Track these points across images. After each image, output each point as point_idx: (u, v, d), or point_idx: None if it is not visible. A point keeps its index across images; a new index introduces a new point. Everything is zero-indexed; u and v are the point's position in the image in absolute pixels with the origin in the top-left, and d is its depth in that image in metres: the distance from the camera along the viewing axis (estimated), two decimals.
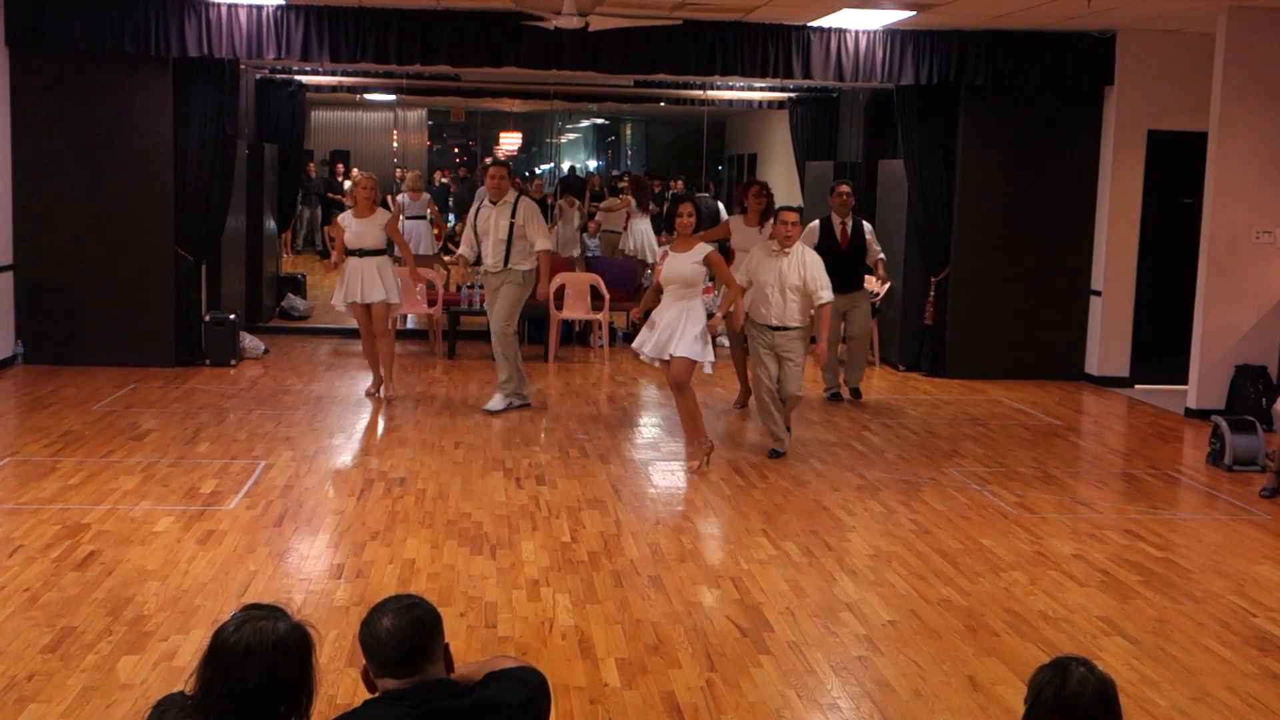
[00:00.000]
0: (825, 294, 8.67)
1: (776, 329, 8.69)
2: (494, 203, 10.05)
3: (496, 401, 10.23)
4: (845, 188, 11.01)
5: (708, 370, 8.72)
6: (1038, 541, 7.09)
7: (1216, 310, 10.62)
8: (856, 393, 11.19)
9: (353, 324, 11.17)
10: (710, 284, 9.85)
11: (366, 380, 10.97)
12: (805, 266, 8.66)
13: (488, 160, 20.38)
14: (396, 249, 10.75)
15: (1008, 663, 5.31)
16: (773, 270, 8.66)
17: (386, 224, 10.34)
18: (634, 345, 8.68)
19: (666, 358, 8.34)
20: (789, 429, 9.10)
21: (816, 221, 10.97)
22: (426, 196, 17.57)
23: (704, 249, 8.35)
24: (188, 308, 11.84)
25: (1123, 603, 6.12)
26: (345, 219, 10.43)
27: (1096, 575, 6.53)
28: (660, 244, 14.58)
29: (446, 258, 15.25)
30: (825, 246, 10.35)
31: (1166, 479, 8.73)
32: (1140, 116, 12.02)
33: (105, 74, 11.37)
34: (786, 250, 8.65)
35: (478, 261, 10.32)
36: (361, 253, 10.20)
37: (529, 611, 5.76)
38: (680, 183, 21.95)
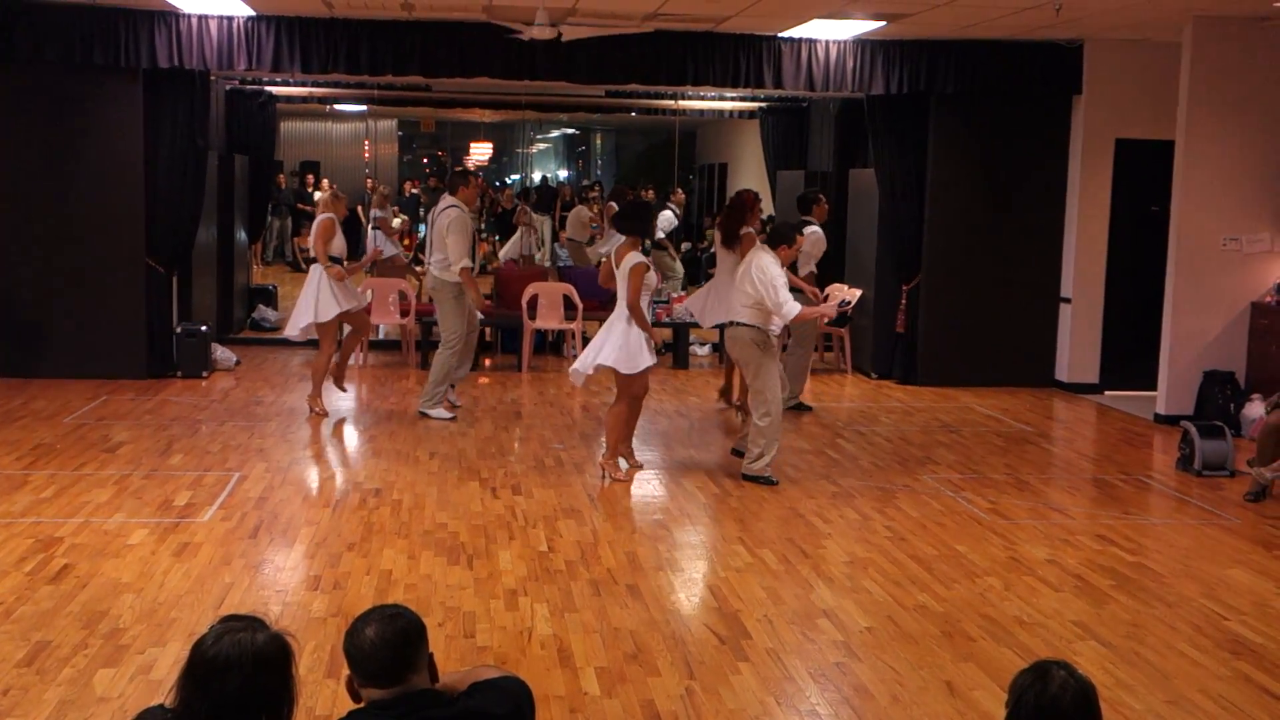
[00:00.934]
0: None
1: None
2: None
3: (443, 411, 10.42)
4: (824, 199, 11.23)
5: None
6: (1012, 547, 7.14)
7: (1185, 316, 10.73)
8: (803, 406, 11.06)
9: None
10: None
11: (340, 391, 10.89)
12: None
13: (458, 169, 20.40)
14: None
15: (984, 668, 5.34)
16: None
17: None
18: (644, 363, 8.33)
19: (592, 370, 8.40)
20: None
21: (819, 229, 10.91)
22: (392, 208, 17.51)
23: (635, 258, 8.28)
24: (159, 319, 11.78)
25: (1097, 607, 6.18)
26: (336, 226, 10.37)
27: (1070, 580, 6.58)
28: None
29: (418, 269, 15.22)
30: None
31: (1137, 484, 8.81)
32: (1108, 125, 12.14)
33: (75, 85, 11.31)
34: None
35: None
36: (341, 260, 10.31)
37: (507, 621, 5.76)
38: (650, 192, 21.98)
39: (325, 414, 10.29)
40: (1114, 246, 12.35)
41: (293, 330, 10.39)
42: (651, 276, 8.41)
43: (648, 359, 8.30)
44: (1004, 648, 5.58)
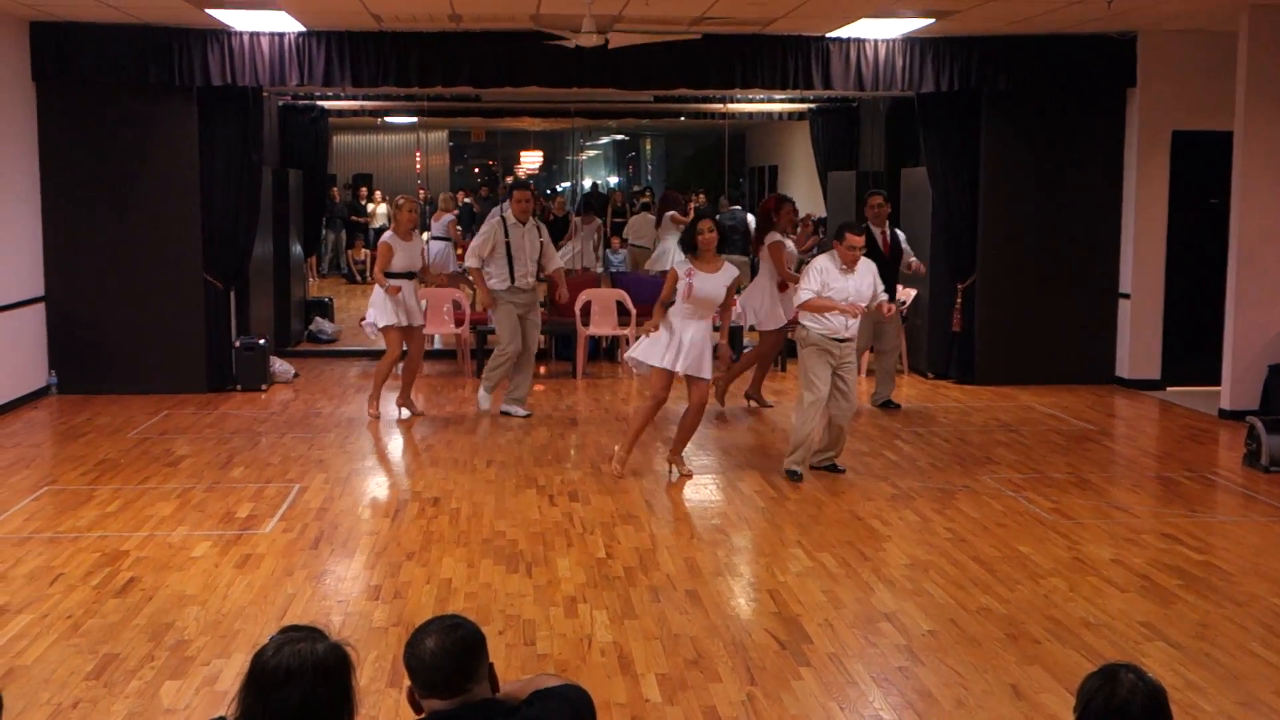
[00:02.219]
0: (883, 294, 8.85)
1: (844, 341, 8.51)
2: (522, 224, 10.33)
3: (486, 398, 10.84)
4: (878, 199, 10.93)
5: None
6: (1075, 547, 7.05)
7: (1247, 310, 10.55)
8: (891, 404, 11.14)
9: (381, 346, 11.11)
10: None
11: (404, 410, 10.93)
12: (873, 275, 8.66)
13: (509, 179, 20.45)
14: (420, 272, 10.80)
15: (1051, 670, 5.27)
16: (845, 288, 8.48)
17: (422, 249, 10.71)
18: (651, 360, 8.42)
19: (685, 373, 8.37)
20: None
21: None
22: (448, 217, 17.64)
23: (732, 271, 8.43)
24: (218, 334, 11.92)
25: (1164, 607, 6.08)
26: (394, 241, 10.43)
27: (1136, 580, 6.49)
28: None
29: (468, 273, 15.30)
30: (870, 257, 10.32)
31: (1203, 481, 8.67)
32: (1164, 117, 11.97)
33: (131, 105, 11.47)
34: (852, 270, 8.52)
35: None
36: (408, 275, 10.44)
37: (567, 628, 5.76)
38: (702, 196, 21.96)
39: (377, 416, 10.59)
40: (1173, 240, 12.17)
41: (367, 326, 10.74)
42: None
43: (654, 358, 8.39)
44: (1070, 650, 5.50)
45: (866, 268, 8.65)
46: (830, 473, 8.70)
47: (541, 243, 10.54)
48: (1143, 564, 6.75)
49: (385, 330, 10.41)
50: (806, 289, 8.48)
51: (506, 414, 10.67)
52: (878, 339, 11.27)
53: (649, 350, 8.44)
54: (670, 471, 8.69)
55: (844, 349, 8.53)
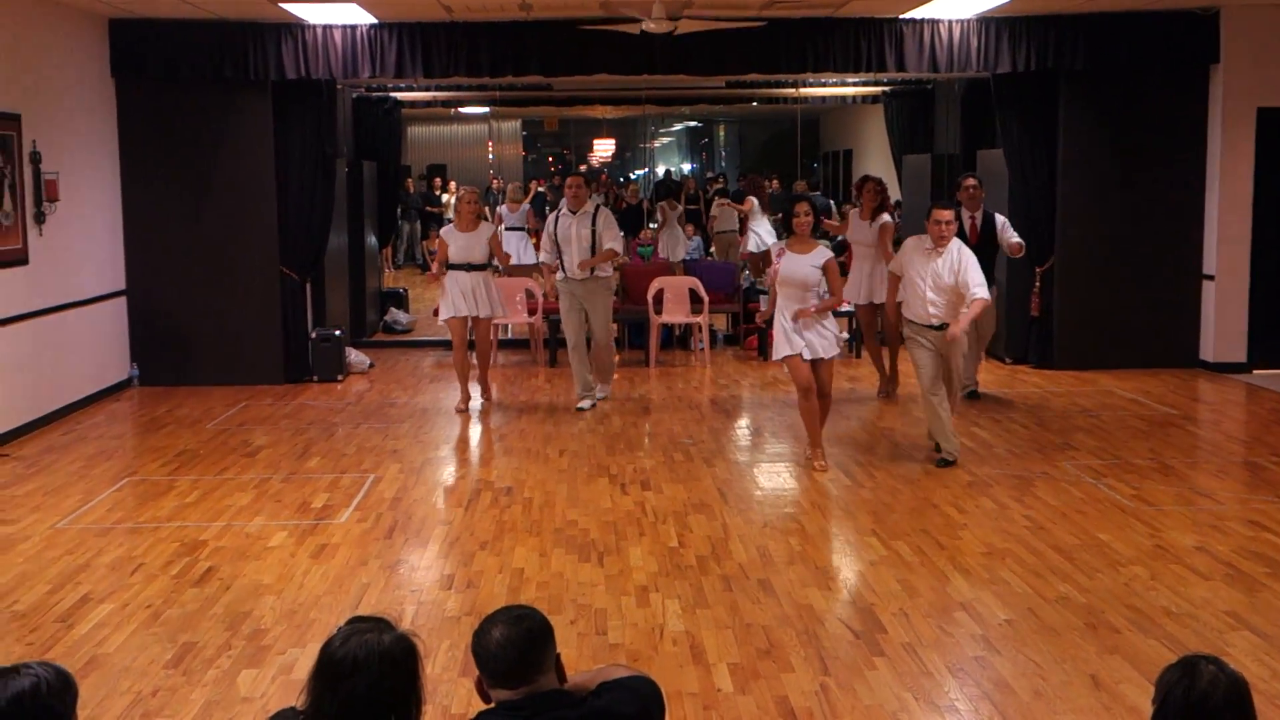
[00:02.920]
0: (980, 291, 8.24)
1: (936, 328, 8.30)
2: (573, 212, 10.34)
3: (589, 400, 10.69)
4: (972, 181, 10.52)
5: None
6: (1157, 535, 6.90)
7: None
8: (975, 393, 10.90)
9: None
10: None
11: (471, 391, 11.00)
12: (960, 265, 8.25)
13: (583, 168, 20.51)
14: (496, 261, 10.81)
15: (1131, 661, 5.16)
16: (925, 268, 8.28)
17: (490, 238, 10.44)
18: (787, 351, 8.26)
19: (811, 357, 8.28)
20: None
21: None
22: (525, 207, 17.69)
23: (824, 254, 8.31)
24: (294, 326, 12.06)
25: (1250, 596, 5.93)
26: (448, 233, 10.54)
27: (1221, 568, 6.34)
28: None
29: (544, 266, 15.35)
30: None
31: None
32: (1249, 94, 11.67)
33: (207, 99, 11.62)
34: (940, 249, 8.26)
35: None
36: (468, 267, 10.35)
37: (639, 618, 5.74)
38: (776, 182, 21.82)
39: (464, 410, 10.59)
40: (1259, 220, 11.87)
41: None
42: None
43: (783, 349, 8.30)
44: (1151, 639, 5.39)
45: (959, 256, 8.23)
46: (940, 466, 8.45)
47: (594, 230, 10.33)
48: (1227, 551, 6.59)
49: (448, 321, 10.48)
50: (893, 264, 8.66)
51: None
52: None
53: (779, 346, 8.37)
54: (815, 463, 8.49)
55: (934, 335, 8.31)
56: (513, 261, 16.40)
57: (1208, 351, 12.06)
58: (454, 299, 10.37)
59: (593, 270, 10.36)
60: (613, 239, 10.44)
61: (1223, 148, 11.77)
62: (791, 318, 8.23)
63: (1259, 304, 11.94)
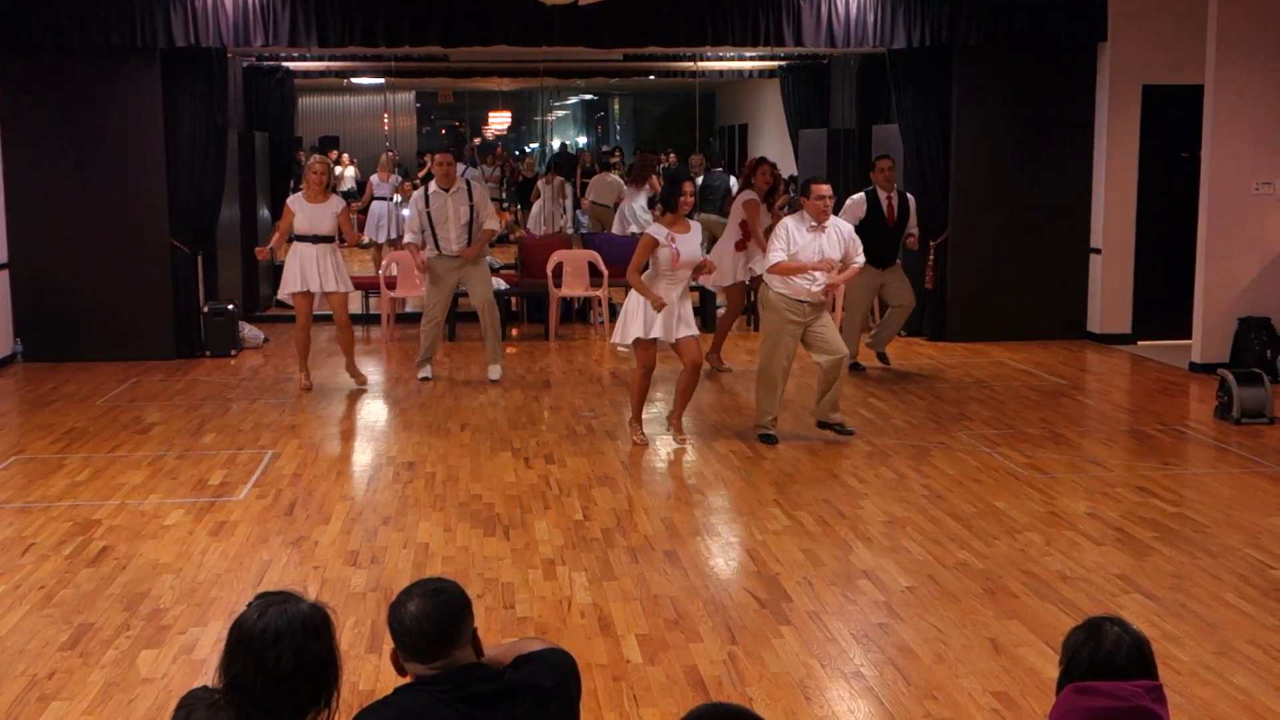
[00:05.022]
0: (861, 257, 8.43)
1: (812, 304, 8.25)
2: (445, 190, 10.22)
3: (498, 371, 10.59)
4: (887, 161, 10.57)
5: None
6: (1050, 502, 7.08)
7: (1218, 263, 10.59)
8: (884, 357, 10.99)
9: (353, 309, 11.08)
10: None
11: (369, 366, 10.91)
12: (847, 236, 8.31)
13: (477, 141, 20.35)
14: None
15: (1029, 624, 5.30)
16: (813, 248, 8.20)
17: (339, 213, 10.02)
18: (633, 334, 8.21)
19: (673, 340, 8.22)
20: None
21: (861, 195, 10.53)
22: (396, 179, 17.43)
23: (699, 229, 8.33)
24: (186, 299, 11.80)
25: (1139, 560, 6.12)
26: (295, 202, 10.03)
27: (1111, 533, 6.52)
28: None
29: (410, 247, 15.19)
30: (872, 222, 10.17)
31: (1175, 434, 8.72)
32: (1135, 71, 11.96)
33: (93, 68, 11.28)
34: (823, 225, 8.22)
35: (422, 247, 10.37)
36: (314, 239, 9.93)
37: (546, 591, 5.74)
38: (673, 156, 21.86)
39: (309, 388, 10.30)
40: (1144, 195, 12.19)
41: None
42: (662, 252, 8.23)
43: (633, 330, 8.20)
44: (1048, 604, 5.53)
45: (837, 228, 8.35)
46: (839, 434, 8.47)
47: (472, 206, 10.21)
48: (1117, 517, 6.79)
49: (293, 296, 10.06)
50: (777, 251, 8.19)
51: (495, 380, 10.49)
52: (887, 295, 10.70)
53: (628, 328, 8.23)
54: (672, 436, 8.51)
55: (811, 312, 8.29)
56: (385, 235, 16.25)
57: (1095, 323, 12.37)
58: (300, 272, 9.94)
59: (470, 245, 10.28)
60: (490, 217, 10.49)
61: (1109, 124, 12.06)
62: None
63: (1143, 277, 12.27)
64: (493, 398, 9.98)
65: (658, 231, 8.15)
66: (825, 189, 8.23)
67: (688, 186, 8.24)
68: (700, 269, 8.43)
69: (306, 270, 9.95)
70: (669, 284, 8.17)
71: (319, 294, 10.08)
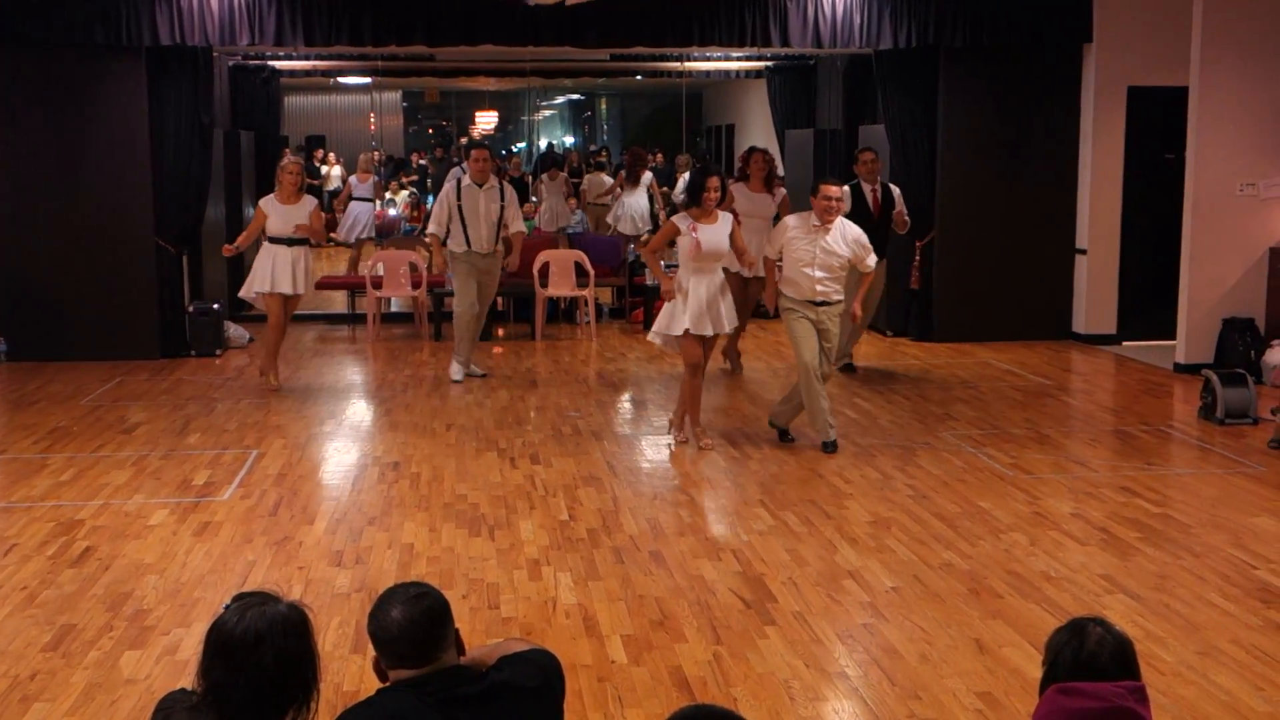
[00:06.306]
0: (872, 260, 8.34)
1: (822, 305, 8.14)
2: (479, 185, 10.15)
3: (458, 370, 10.55)
4: (869, 154, 10.63)
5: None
6: (1035, 502, 7.09)
7: (1202, 264, 10.62)
8: (850, 367, 11.02)
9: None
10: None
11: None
12: (853, 236, 8.20)
13: (464, 140, 20.28)
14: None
15: (1013, 624, 5.31)
16: (813, 246, 8.10)
17: (311, 213, 9.98)
18: (675, 330, 8.08)
19: (709, 333, 8.17)
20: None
21: (845, 188, 10.55)
22: (375, 179, 17.36)
23: (728, 219, 8.27)
24: (171, 299, 11.76)
25: (1123, 560, 6.13)
26: (267, 203, 10.01)
27: (1096, 534, 6.54)
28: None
29: (425, 238, 15.16)
30: (858, 214, 10.16)
31: (1159, 435, 8.75)
32: (1120, 73, 12.00)
33: (78, 67, 11.23)
34: (828, 225, 8.12)
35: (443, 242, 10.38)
36: (288, 241, 9.91)
37: (531, 591, 5.74)
38: (660, 156, 21.84)
39: (277, 387, 10.21)
40: (1129, 196, 12.23)
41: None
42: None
43: (680, 324, 8.11)
44: (1032, 604, 5.54)
45: (844, 230, 8.17)
46: (782, 440, 8.46)
47: (503, 205, 10.29)
48: (1101, 517, 6.80)
49: (264, 297, 9.99)
50: (766, 245, 8.32)
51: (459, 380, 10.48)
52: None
53: (668, 322, 8.14)
54: (693, 441, 8.37)
55: (821, 312, 8.15)
56: (356, 236, 16.17)
57: (1080, 324, 12.41)
58: (272, 273, 9.90)
59: (495, 244, 10.29)
60: (517, 219, 10.45)
61: (1094, 125, 12.09)
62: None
63: (1128, 278, 12.30)
64: (478, 398, 9.96)
65: (681, 220, 8.16)
66: (835, 190, 8.15)
67: (713, 181, 8.13)
68: (741, 258, 8.47)
69: (278, 272, 9.93)
70: (696, 275, 8.11)
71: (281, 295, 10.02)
